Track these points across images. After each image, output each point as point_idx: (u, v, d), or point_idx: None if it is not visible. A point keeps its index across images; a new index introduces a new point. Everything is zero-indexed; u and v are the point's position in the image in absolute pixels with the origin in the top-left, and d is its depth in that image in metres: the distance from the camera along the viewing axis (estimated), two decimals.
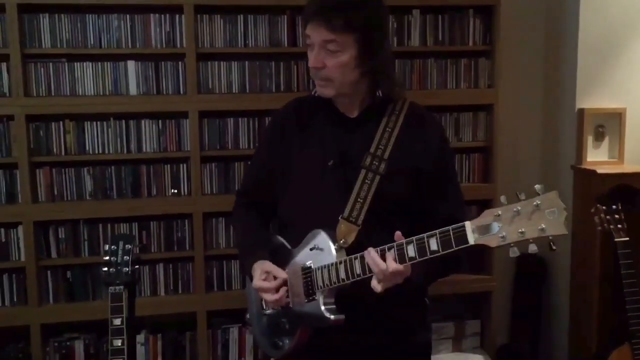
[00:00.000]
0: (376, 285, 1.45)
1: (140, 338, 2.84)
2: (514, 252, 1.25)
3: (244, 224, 1.85)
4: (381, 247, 1.45)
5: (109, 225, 2.78)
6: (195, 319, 2.84)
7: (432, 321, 3.04)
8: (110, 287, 2.02)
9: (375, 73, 1.61)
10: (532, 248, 1.22)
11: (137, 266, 2.07)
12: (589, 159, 2.95)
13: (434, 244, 1.36)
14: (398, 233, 1.44)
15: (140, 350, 2.84)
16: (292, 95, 2.44)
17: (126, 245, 2.07)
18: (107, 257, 2.04)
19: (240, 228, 1.88)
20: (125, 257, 2.06)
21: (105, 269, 2.03)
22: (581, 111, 2.94)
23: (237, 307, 2.71)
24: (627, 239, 2.44)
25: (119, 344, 2.01)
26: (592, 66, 2.94)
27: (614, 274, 2.45)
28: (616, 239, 2.43)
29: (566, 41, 3.03)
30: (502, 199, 1.26)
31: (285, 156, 1.73)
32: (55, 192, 2.73)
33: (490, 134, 2.97)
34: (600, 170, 2.82)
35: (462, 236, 1.31)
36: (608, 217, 2.47)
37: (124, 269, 2.04)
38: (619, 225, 2.46)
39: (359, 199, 1.60)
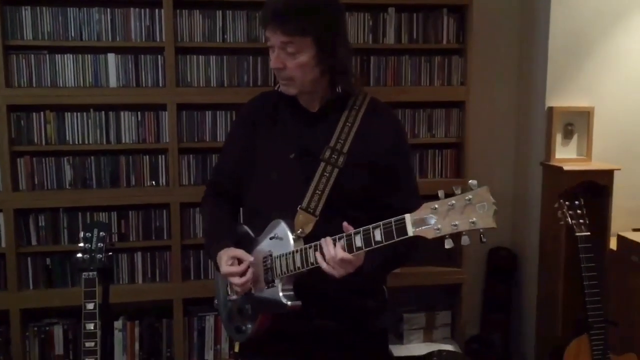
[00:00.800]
0: (326, 268, 1.51)
1: (118, 324, 2.92)
2: (449, 243, 1.32)
3: (211, 213, 1.92)
4: (333, 237, 1.52)
5: (88, 214, 2.84)
6: (172, 307, 2.91)
7: (403, 312, 3.17)
8: (84, 273, 2.10)
9: (335, 70, 1.68)
10: (465, 240, 1.29)
11: (110, 253, 2.15)
12: (557, 156, 3.04)
13: (378, 235, 1.43)
14: (345, 224, 1.51)
15: (118, 336, 2.92)
16: (269, 89, 2.51)
17: (100, 233, 2.14)
18: (82, 244, 2.12)
19: (208, 217, 1.94)
20: (99, 244, 2.13)
21: (80, 255, 2.10)
22: (550, 109, 3.03)
23: (213, 296, 2.75)
24: (588, 233, 2.52)
25: (92, 328, 2.09)
26: (562, 65, 3.03)
27: (578, 267, 2.54)
28: (577, 234, 2.52)
29: (537, 41, 3.11)
30: (440, 193, 1.33)
31: (251, 148, 1.80)
32: (36, 181, 2.80)
33: (461, 130, 3.05)
34: (567, 167, 2.90)
35: (402, 228, 1.39)
36: (570, 212, 2.55)
37: (98, 255, 2.11)
38: (581, 220, 2.54)
39: (317, 191, 1.67)
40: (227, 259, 1.71)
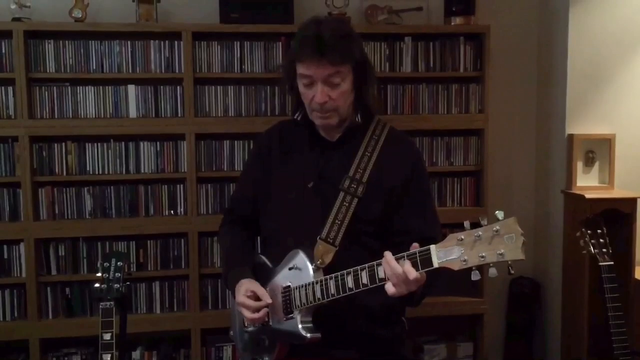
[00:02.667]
0: (389, 288, 1.45)
1: (136, 354, 2.91)
2: (476, 275, 1.29)
3: (229, 240, 1.92)
4: (398, 255, 1.45)
5: (107, 243, 2.85)
6: (189, 337, 2.89)
7: (424, 342, 3.11)
8: (101, 303, 2.10)
9: (365, 93, 1.70)
10: (493, 272, 1.26)
11: (128, 283, 2.15)
12: (579, 184, 2.99)
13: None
14: (415, 244, 1.44)
15: None
16: (286, 118, 2.53)
17: (118, 262, 2.14)
18: (100, 274, 2.12)
19: (226, 244, 1.94)
20: (117, 274, 2.13)
21: (97, 285, 2.11)
22: (571, 137, 2.99)
23: (230, 326, 2.76)
24: (612, 263, 2.47)
25: (109, 359, 2.08)
26: (581, 92, 3.00)
27: (602, 296, 2.48)
28: (600, 263, 2.47)
29: (556, 68, 3.09)
30: (466, 224, 1.31)
31: (268, 177, 1.81)
32: (57, 211, 2.82)
33: (480, 158, 3.03)
34: (589, 195, 2.86)
35: (427, 259, 1.37)
36: (593, 241, 2.51)
37: (115, 285, 2.11)
38: (604, 250, 2.49)
39: (336, 221, 1.67)
40: (246, 290, 1.69)
